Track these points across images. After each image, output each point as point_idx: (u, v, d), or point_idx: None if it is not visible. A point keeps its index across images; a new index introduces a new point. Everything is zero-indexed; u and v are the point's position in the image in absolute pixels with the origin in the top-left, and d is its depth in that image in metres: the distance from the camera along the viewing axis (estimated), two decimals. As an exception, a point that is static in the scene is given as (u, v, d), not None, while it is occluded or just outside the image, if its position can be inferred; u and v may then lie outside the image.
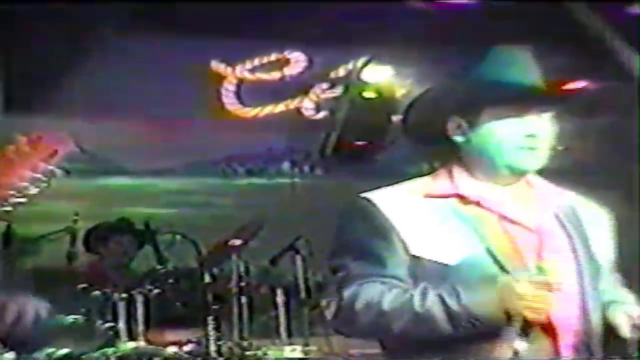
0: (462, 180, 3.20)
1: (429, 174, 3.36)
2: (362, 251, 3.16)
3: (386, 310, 3.02)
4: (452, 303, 2.97)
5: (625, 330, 3.08)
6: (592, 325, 3.14)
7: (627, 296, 3.39)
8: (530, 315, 2.93)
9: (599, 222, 3.43)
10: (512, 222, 3.21)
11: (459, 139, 3.24)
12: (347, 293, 3.04)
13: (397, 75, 6.45)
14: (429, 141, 3.40)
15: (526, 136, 3.11)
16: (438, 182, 3.26)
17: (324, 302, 3.20)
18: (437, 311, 2.96)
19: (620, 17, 7.63)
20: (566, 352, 3.10)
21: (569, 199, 3.44)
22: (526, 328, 2.93)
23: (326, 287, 3.30)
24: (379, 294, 3.05)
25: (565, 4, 5.37)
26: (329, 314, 3.14)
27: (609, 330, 3.14)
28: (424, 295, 3.00)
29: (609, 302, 3.23)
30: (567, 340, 3.11)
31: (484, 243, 3.14)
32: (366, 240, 3.15)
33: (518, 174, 3.17)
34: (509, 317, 2.95)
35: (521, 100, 3.17)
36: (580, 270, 3.17)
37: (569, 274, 3.20)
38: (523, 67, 3.27)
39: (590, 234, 3.32)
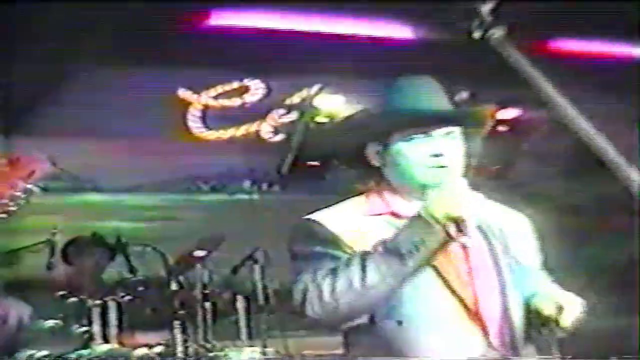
0: (392, 199, 3.43)
1: (362, 193, 3.56)
2: (320, 255, 3.30)
3: (366, 285, 3.18)
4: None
5: (550, 310, 3.29)
6: (513, 321, 3.32)
7: (555, 289, 3.55)
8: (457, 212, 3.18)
9: (520, 228, 3.66)
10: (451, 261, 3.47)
11: (377, 163, 3.44)
12: (323, 282, 3.18)
13: (347, 102, 6.76)
14: (357, 165, 3.54)
15: (432, 155, 3.30)
16: (371, 202, 3.48)
17: (298, 298, 3.27)
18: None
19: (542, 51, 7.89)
20: (495, 344, 3.32)
21: (490, 209, 3.59)
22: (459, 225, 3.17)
23: (296, 287, 3.33)
24: (352, 274, 3.19)
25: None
26: (309, 308, 3.22)
27: (534, 323, 3.35)
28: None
29: (534, 295, 3.40)
30: (495, 334, 3.30)
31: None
32: (320, 249, 3.32)
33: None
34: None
35: (425, 123, 3.37)
36: (501, 272, 3.36)
37: (491, 276, 3.40)
38: (428, 94, 3.47)
39: (511, 240, 3.51)
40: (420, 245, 3.22)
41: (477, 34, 2.31)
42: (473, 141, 3.60)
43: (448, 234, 3.21)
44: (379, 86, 3.63)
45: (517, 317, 3.44)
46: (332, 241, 3.37)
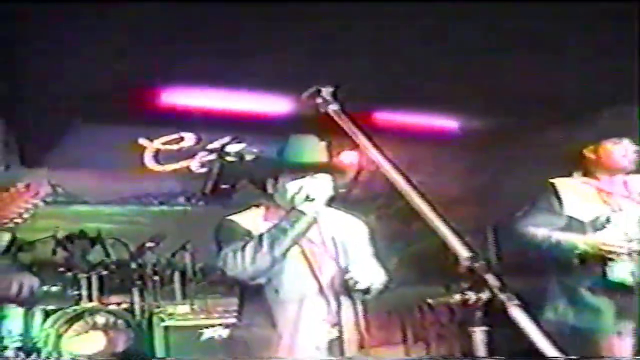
0: (277, 212, 3.92)
1: (257, 206, 4.05)
2: (235, 241, 3.79)
3: (262, 253, 3.71)
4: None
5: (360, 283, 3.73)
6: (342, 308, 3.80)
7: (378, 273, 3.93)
8: None
9: (357, 232, 4.12)
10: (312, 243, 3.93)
11: (271, 191, 4.00)
12: (237, 253, 3.72)
13: (247, 148, 7.56)
14: (259, 190, 4.09)
15: (304, 191, 3.83)
16: (265, 213, 4.01)
17: (222, 264, 3.80)
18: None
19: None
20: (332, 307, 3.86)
21: (338, 220, 4.12)
22: None
23: (220, 258, 3.81)
24: (254, 247, 3.73)
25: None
26: (229, 270, 3.76)
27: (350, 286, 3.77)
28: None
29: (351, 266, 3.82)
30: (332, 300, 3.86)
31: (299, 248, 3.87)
32: (234, 235, 3.85)
33: (302, 216, 3.78)
34: None
35: (303, 169, 3.89)
36: (339, 263, 3.88)
37: (332, 269, 3.91)
38: (309, 148, 3.98)
39: (348, 242, 4.01)
40: (290, 228, 3.74)
41: (321, 108, 2.61)
42: (339, 179, 4.04)
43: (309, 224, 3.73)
44: (276, 140, 4.12)
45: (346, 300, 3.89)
46: (241, 231, 3.88)
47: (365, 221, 4.18)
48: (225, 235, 3.87)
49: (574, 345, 4.09)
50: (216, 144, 8.20)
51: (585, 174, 4.79)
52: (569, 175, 4.82)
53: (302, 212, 3.73)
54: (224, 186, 8.15)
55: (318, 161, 3.89)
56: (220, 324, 7.10)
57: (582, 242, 4.47)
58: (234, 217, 3.94)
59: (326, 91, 2.64)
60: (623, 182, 4.73)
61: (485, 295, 2.13)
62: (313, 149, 3.94)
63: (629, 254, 4.29)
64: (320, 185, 3.83)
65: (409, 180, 2.29)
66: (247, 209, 4.01)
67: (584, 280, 4.47)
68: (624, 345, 4.33)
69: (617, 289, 4.28)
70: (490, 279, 2.10)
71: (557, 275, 4.70)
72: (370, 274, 3.83)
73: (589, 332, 4.47)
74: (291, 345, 3.75)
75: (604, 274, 4.36)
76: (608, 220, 4.48)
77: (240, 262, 3.69)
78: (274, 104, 7.99)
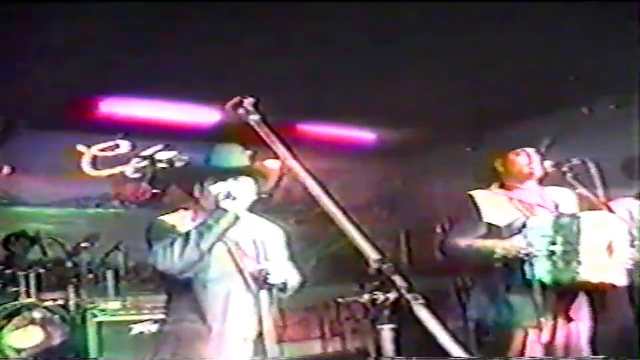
0: (203, 215, 3.93)
1: (186, 209, 4.08)
2: (164, 239, 3.81)
3: (190, 247, 3.73)
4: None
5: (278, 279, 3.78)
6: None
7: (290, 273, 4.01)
8: None
9: (276, 237, 4.20)
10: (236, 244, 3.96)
11: (198, 195, 4.02)
12: (167, 248, 3.74)
13: (177, 156, 7.84)
14: (189, 194, 4.09)
15: (226, 193, 3.85)
16: (192, 215, 4.03)
17: (153, 259, 3.82)
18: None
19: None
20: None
21: (258, 224, 4.16)
22: None
23: (151, 254, 3.83)
24: (182, 243, 3.75)
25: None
26: (160, 265, 3.80)
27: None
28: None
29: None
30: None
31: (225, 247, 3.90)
32: (165, 233, 3.86)
33: (225, 214, 3.82)
34: None
35: (226, 173, 3.93)
36: (258, 263, 3.92)
37: (253, 267, 3.92)
38: (233, 155, 4.04)
39: (269, 248, 4.07)
40: (214, 225, 3.78)
41: (243, 118, 2.61)
42: (260, 184, 4.06)
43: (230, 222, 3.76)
44: (206, 148, 4.10)
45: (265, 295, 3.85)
46: (170, 229, 3.91)
47: (283, 227, 4.25)
48: (155, 233, 3.91)
49: (494, 340, 4.53)
50: (149, 151, 7.45)
51: (500, 185, 4.85)
52: (487, 186, 4.87)
53: (224, 210, 3.78)
54: (155, 190, 7.40)
55: (241, 166, 3.96)
56: (149, 319, 7.00)
57: (500, 247, 4.51)
58: (163, 218, 3.99)
59: (248, 102, 2.66)
60: (537, 191, 4.81)
61: (392, 295, 2.10)
62: (237, 156, 4.00)
63: (545, 255, 4.35)
64: (242, 187, 3.89)
65: (323, 187, 2.30)
66: (175, 211, 4.06)
67: (504, 280, 4.52)
68: (541, 339, 4.41)
69: (535, 287, 4.34)
70: (398, 279, 2.08)
71: (478, 276, 4.79)
72: (285, 274, 3.91)
73: (508, 327, 4.50)
74: (220, 337, 3.79)
75: (523, 273, 4.41)
76: (524, 225, 4.52)
77: (170, 257, 3.72)
78: (204, 114, 8.05)
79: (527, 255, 4.40)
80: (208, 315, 3.83)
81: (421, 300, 2.08)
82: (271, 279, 3.78)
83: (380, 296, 2.12)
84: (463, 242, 4.66)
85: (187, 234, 3.76)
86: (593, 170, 4.65)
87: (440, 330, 2.10)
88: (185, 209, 4.08)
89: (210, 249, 3.78)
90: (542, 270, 4.38)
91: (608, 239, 4.42)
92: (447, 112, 8.06)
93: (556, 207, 4.77)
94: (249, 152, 4.00)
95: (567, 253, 4.38)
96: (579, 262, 4.34)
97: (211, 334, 3.81)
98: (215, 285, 3.88)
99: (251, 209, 4.00)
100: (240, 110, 2.65)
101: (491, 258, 4.49)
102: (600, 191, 4.62)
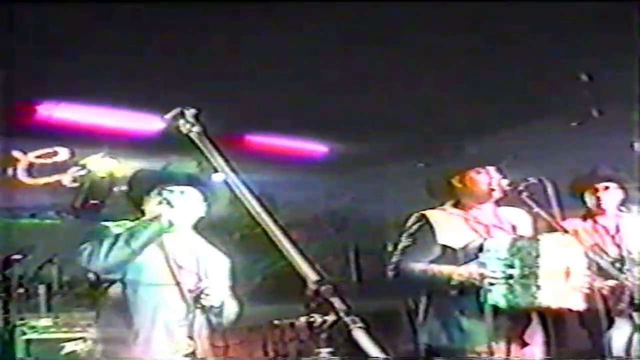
0: None
1: (137, 219, 4.17)
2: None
3: (118, 248, 3.86)
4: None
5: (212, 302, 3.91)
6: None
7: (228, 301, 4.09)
8: None
9: (219, 262, 4.32)
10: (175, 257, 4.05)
11: (144, 207, 4.19)
12: (95, 248, 3.86)
13: (119, 165, 6.87)
14: (138, 204, 4.27)
15: (167, 199, 3.99)
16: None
17: (82, 259, 3.90)
18: None
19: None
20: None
21: (203, 245, 4.29)
22: None
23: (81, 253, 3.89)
24: (111, 243, 3.88)
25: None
26: (88, 265, 3.92)
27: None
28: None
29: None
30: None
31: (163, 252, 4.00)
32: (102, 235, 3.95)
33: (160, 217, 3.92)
34: None
35: (173, 184, 4.08)
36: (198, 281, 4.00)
37: (192, 275, 4.07)
38: (181, 167, 4.18)
39: (209, 270, 4.15)
40: (147, 226, 3.92)
41: (183, 129, 2.63)
42: (212, 201, 4.18)
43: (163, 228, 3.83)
44: (148, 157, 4.41)
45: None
46: (105, 230, 3.98)
47: (227, 253, 4.37)
48: (91, 237, 4.02)
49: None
50: (89, 160, 7.49)
51: (455, 204, 4.85)
52: (441, 204, 4.89)
53: (160, 215, 3.89)
54: (93, 201, 7.88)
55: (188, 177, 4.12)
56: (82, 338, 6.89)
57: (457, 273, 4.51)
58: (107, 224, 4.08)
59: (189, 113, 2.65)
60: (494, 211, 4.81)
61: (330, 318, 2.08)
62: (184, 167, 4.14)
63: (502, 279, 4.35)
64: (187, 199, 4.02)
65: (261, 204, 2.31)
66: (121, 221, 4.14)
67: (457, 304, 4.53)
68: None
69: (490, 312, 4.33)
70: (336, 302, 2.06)
71: (431, 300, 4.75)
72: (223, 299, 4.03)
73: (460, 352, 4.53)
74: (147, 345, 3.86)
75: (478, 298, 4.40)
76: (480, 249, 4.53)
77: (96, 255, 3.82)
78: (147, 122, 7.95)
79: (484, 280, 4.39)
80: (135, 321, 3.89)
81: (359, 324, 2.02)
82: (207, 300, 3.88)
83: (317, 319, 2.08)
84: (417, 265, 4.65)
85: (118, 234, 3.84)
86: (550, 189, 4.64)
87: (380, 356, 2.08)
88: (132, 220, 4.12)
89: (140, 251, 3.85)
90: (498, 295, 4.38)
91: (566, 262, 4.47)
92: (402, 126, 8.13)
93: (513, 228, 4.81)
94: (196, 164, 4.03)
95: (526, 277, 4.39)
96: (537, 287, 4.35)
97: (137, 340, 3.87)
98: (147, 291, 3.95)
99: (197, 226, 4.14)
100: (181, 121, 2.64)
101: (447, 284, 4.50)
102: (556, 211, 4.64)
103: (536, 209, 4.67)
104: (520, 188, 4.70)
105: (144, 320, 3.91)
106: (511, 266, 4.40)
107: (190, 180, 4.14)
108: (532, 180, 4.68)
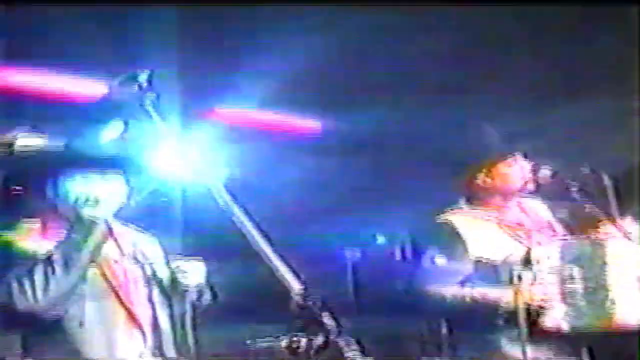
0: (57, 225, 4.18)
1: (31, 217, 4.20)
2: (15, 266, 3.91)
3: (57, 275, 3.82)
4: None
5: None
6: (161, 326, 4.12)
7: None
8: None
9: (155, 249, 4.42)
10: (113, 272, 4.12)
11: (51, 196, 4.19)
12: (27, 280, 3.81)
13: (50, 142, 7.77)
14: (39, 196, 4.28)
15: (88, 195, 4.01)
16: (40, 225, 4.24)
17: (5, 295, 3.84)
18: None
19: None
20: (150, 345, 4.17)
21: (135, 236, 4.40)
22: None
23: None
24: (46, 270, 3.84)
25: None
26: (17, 303, 3.85)
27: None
28: None
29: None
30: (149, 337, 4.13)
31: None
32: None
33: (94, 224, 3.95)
34: None
35: (92, 166, 4.10)
36: (149, 284, 4.16)
37: (142, 290, 4.19)
38: (101, 140, 4.13)
39: (150, 258, 4.30)
40: (83, 241, 3.91)
41: (136, 96, 2.75)
42: (136, 184, 4.23)
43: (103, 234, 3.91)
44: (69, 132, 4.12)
45: (165, 322, 4.13)
46: (22, 251, 4.04)
47: (157, 236, 4.46)
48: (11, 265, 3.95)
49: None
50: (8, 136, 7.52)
51: (479, 202, 4.99)
52: (462, 203, 5.02)
53: (93, 219, 3.87)
54: (16, 189, 7.35)
55: (111, 157, 4.07)
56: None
57: (506, 298, 4.48)
58: (6, 234, 4.01)
59: (143, 77, 2.79)
60: (528, 210, 4.97)
61: (319, 340, 2.10)
62: (108, 141, 4.06)
63: (562, 297, 4.38)
64: (111, 186, 4.04)
65: (232, 194, 2.35)
66: (18, 225, 4.12)
67: (507, 333, 4.54)
68: None
69: (549, 337, 4.40)
70: (326, 318, 2.09)
71: (458, 323, 4.80)
72: (199, 274, 4.13)
73: None
74: None
75: (534, 322, 4.40)
76: (528, 261, 4.51)
77: (31, 292, 3.76)
78: (79, 87, 7.88)
79: (544, 302, 4.42)
80: None
81: (355, 348, 2.05)
82: (185, 277, 4.01)
83: (302, 341, 2.10)
84: (444, 289, 4.68)
85: (49, 259, 3.81)
86: (606, 181, 4.73)
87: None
88: (31, 217, 4.16)
89: (83, 274, 3.87)
90: (559, 317, 4.42)
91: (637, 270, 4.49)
92: (419, 99, 8.05)
93: (552, 229, 4.89)
94: (126, 137, 4.01)
95: (594, 290, 4.43)
96: (612, 301, 4.39)
97: None
98: (94, 319, 4.00)
99: (118, 214, 4.15)
100: (133, 86, 2.77)
101: (495, 314, 4.51)
102: (614, 209, 4.69)
103: (589, 207, 4.75)
104: (569, 180, 4.77)
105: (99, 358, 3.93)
106: (572, 277, 4.43)
107: (108, 160, 4.14)
108: (584, 170, 4.74)
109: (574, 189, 4.77)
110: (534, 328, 4.34)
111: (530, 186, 4.87)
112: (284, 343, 2.05)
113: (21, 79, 7.93)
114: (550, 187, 4.88)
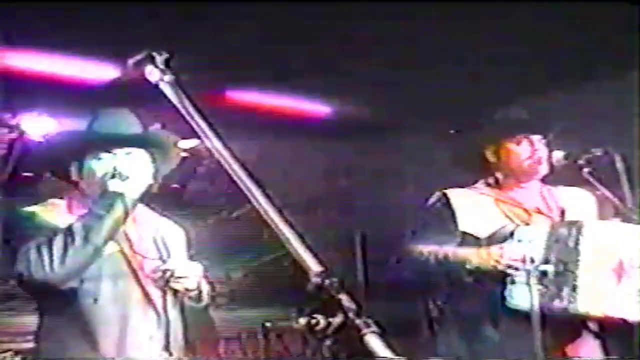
0: (84, 203, 4.07)
1: (61, 198, 4.23)
2: (36, 237, 3.88)
3: (75, 247, 3.80)
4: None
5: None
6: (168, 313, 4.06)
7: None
8: None
9: (177, 238, 4.40)
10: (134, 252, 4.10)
11: (76, 178, 4.13)
12: (44, 250, 3.78)
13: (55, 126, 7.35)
14: (64, 177, 4.24)
15: (115, 170, 3.94)
16: (66, 203, 4.20)
17: (23, 267, 3.84)
18: None
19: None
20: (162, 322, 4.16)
21: (161, 224, 4.36)
22: None
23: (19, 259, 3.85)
24: (64, 240, 3.82)
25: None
26: (36, 272, 3.83)
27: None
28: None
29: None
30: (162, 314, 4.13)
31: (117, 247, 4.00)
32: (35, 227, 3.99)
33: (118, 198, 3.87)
34: None
35: (111, 144, 4.04)
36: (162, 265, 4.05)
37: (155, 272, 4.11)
38: (120, 123, 4.15)
39: (170, 247, 4.27)
40: (106, 214, 3.85)
41: (152, 78, 2.64)
42: (160, 163, 4.22)
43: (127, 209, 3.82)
44: (84, 115, 4.20)
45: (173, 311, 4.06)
46: (44, 223, 3.99)
47: (184, 226, 4.43)
48: (21, 230, 3.94)
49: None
50: (19, 119, 7.90)
51: (490, 182, 4.96)
52: (472, 182, 4.97)
53: (116, 193, 3.83)
54: (26, 174, 7.81)
55: (133, 135, 4.06)
56: (9, 350, 6.88)
57: (475, 255, 4.55)
58: (30, 209, 4.01)
59: (160, 59, 2.66)
60: (540, 192, 4.89)
61: (337, 320, 2.11)
62: (128, 122, 4.12)
63: (529, 276, 4.32)
64: (136, 163, 4.00)
65: (254, 178, 2.31)
66: (45, 202, 4.13)
67: (478, 307, 4.58)
68: None
69: (516, 318, 4.36)
70: (345, 299, 2.10)
71: (447, 300, 4.90)
72: (196, 275, 4.08)
73: None
74: None
75: (503, 299, 4.44)
76: (511, 235, 4.55)
77: (48, 261, 3.73)
78: (92, 71, 7.91)
79: (509, 269, 4.42)
80: (100, 341, 3.91)
81: (373, 328, 2.05)
82: (179, 282, 3.96)
83: (320, 321, 2.10)
84: (425, 249, 4.70)
85: (70, 229, 3.77)
86: (619, 164, 4.63)
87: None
88: (61, 198, 4.15)
89: (102, 249, 3.82)
90: (527, 297, 4.35)
91: (618, 257, 4.43)
92: (425, 83, 8.02)
93: (562, 214, 4.82)
94: (157, 125, 4.13)
95: (561, 274, 4.39)
96: (574, 288, 4.34)
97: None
98: (109, 296, 3.97)
99: (145, 199, 4.11)
100: (149, 69, 2.65)
101: (463, 270, 4.54)
102: (627, 193, 4.61)
103: (601, 190, 4.70)
104: (581, 162, 4.74)
105: (110, 339, 3.99)
106: (547, 261, 4.41)
107: (135, 138, 4.13)
108: (597, 152, 4.67)
109: (586, 170, 4.77)
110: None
111: (543, 168, 4.83)
112: (302, 321, 2.05)
113: (31, 63, 7.92)
114: (563, 169, 4.87)
